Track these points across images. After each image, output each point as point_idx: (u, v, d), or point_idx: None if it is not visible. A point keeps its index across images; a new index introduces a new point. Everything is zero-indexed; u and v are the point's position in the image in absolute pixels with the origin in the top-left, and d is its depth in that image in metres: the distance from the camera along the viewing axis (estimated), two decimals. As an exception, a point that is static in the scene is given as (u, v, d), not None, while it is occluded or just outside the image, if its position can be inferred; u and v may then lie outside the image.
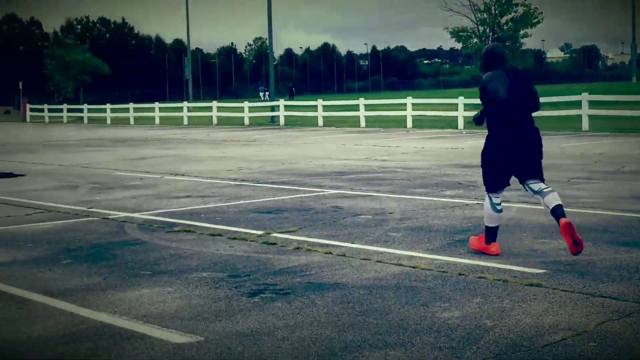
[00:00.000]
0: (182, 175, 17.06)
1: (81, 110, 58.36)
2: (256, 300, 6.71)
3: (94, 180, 16.50)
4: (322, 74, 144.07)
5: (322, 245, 8.93)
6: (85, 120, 55.69)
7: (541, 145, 8.23)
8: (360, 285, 7.11)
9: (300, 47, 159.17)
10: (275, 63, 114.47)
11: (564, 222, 7.83)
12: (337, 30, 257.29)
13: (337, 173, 16.61)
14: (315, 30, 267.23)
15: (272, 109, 44.70)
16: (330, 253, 8.50)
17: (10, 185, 16.07)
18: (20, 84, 69.29)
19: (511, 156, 8.10)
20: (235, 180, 15.76)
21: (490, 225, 8.24)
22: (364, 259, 8.16)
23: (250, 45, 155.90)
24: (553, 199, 8.02)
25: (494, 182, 8.24)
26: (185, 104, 49.10)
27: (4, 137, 38.00)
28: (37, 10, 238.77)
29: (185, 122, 46.83)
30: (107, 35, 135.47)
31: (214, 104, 47.21)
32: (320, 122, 39.47)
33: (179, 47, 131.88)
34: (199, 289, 7.14)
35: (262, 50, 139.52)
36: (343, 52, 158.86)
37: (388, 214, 11.01)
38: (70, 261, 8.51)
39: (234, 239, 9.46)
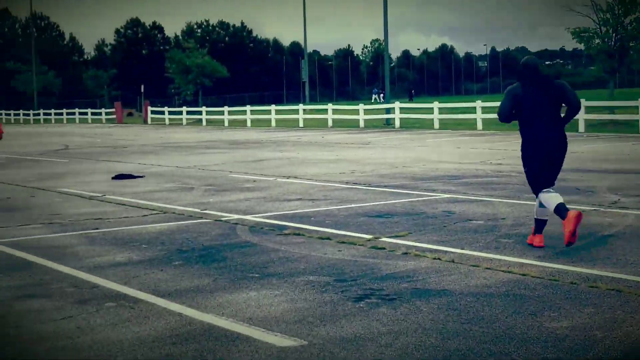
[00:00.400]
0: (295, 177, 17.20)
1: (200, 113, 59.60)
2: (361, 305, 6.69)
3: (209, 182, 16.82)
4: (439, 75, 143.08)
5: (431, 250, 8.85)
6: (204, 123, 56.84)
7: (565, 149, 8.98)
8: (467, 292, 7.00)
9: (418, 49, 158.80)
10: (391, 65, 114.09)
11: (539, 237, 8.91)
12: (455, 32, 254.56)
13: (450, 177, 16.44)
14: (433, 32, 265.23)
15: (387, 111, 44.60)
16: (439, 259, 8.40)
17: (130, 187, 16.53)
18: (142, 87, 71.28)
19: (545, 157, 8.90)
20: (347, 183, 15.79)
21: (542, 218, 9.00)
22: (473, 266, 8.04)
23: (367, 47, 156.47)
24: (545, 213, 9.00)
25: (536, 182, 9.04)
26: (300, 107, 49.48)
27: (127, 139, 39.17)
28: (160, 14, 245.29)
29: (301, 124, 47.22)
30: (226, 38, 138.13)
31: (330, 106, 47.45)
32: (436, 124, 39.17)
33: (296, 49, 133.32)
34: (306, 292, 7.17)
35: (379, 51, 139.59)
36: (461, 53, 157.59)
37: (500, 220, 10.82)
38: (181, 262, 8.68)
39: (343, 242, 9.48)
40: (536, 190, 8.98)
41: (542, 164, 8.88)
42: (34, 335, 6.12)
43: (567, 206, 8.74)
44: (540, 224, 8.95)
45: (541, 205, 8.91)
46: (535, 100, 8.79)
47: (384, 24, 44.53)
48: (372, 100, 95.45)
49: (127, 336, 6.04)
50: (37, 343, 5.94)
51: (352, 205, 12.57)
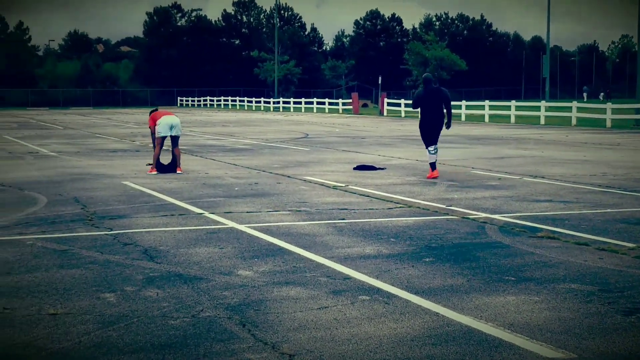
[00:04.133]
0: (542, 177, 16.57)
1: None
2: (632, 319, 6.20)
3: (450, 178, 16.55)
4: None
5: (703, 264, 8.13)
6: (441, 116, 56.33)
7: (441, 127, 16.77)
8: None
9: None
10: None
11: (434, 172, 16.42)
12: None
13: None
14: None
15: (637, 111, 42.34)
16: None
17: (371, 178, 16.57)
18: (380, 78, 71.89)
19: (428, 130, 16.71)
20: (599, 186, 14.99)
21: (430, 162, 16.52)
22: None
23: (614, 43, 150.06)
24: (432, 158, 16.48)
25: (424, 141, 16.72)
26: (542, 103, 47.93)
27: (364, 129, 39.57)
28: (399, 6, 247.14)
29: (542, 121, 45.79)
30: (465, 32, 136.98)
31: (574, 104, 45.66)
32: (689, 127, 36.65)
33: (537, 44, 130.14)
34: (568, 301, 6.75)
35: (627, 48, 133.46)
36: None
37: None
38: (432, 259, 8.49)
39: (602, 249, 8.92)
40: (426, 146, 16.66)
41: (428, 133, 16.59)
42: (295, 323, 6.13)
43: None
44: (433, 164, 16.55)
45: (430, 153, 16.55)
46: (430, 98, 16.48)
47: (639, 20, 42.25)
48: (584, 100, 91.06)
49: (384, 332, 5.91)
50: (297, 331, 5.94)
51: (608, 210, 11.88)
